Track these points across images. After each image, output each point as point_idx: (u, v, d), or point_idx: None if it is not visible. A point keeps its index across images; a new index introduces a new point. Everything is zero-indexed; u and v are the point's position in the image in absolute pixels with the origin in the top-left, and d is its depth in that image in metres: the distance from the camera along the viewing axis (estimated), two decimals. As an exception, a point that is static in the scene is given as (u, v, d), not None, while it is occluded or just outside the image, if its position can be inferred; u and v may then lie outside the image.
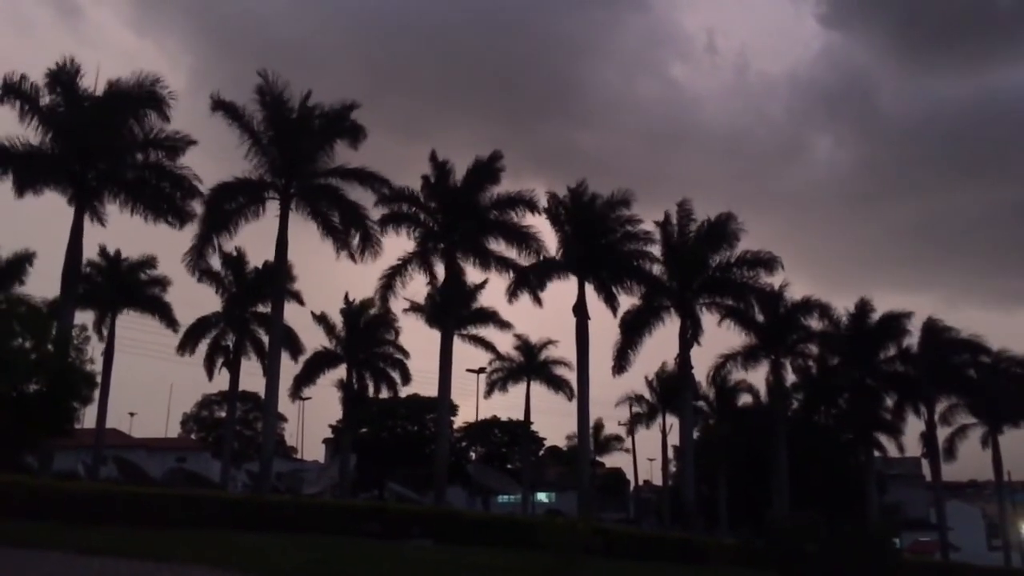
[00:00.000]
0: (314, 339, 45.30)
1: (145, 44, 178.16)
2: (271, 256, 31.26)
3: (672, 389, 46.82)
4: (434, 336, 34.27)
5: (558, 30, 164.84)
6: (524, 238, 33.50)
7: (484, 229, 33.66)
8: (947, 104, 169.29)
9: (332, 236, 30.91)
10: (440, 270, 34.04)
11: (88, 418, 39.96)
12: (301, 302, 41.66)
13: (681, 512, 40.95)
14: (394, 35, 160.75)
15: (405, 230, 33.45)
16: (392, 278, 33.53)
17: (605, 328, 37.42)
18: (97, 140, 28.37)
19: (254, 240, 39.50)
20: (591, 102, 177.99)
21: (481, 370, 52.62)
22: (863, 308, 45.21)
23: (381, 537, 21.46)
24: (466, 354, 54.90)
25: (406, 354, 46.07)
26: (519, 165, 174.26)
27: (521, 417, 53.73)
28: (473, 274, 36.01)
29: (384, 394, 48.33)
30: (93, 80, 29.26)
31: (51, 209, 32.51)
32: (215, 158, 36.45)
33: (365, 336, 45.13)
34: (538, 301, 34.64)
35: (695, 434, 47.86)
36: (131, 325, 44.42)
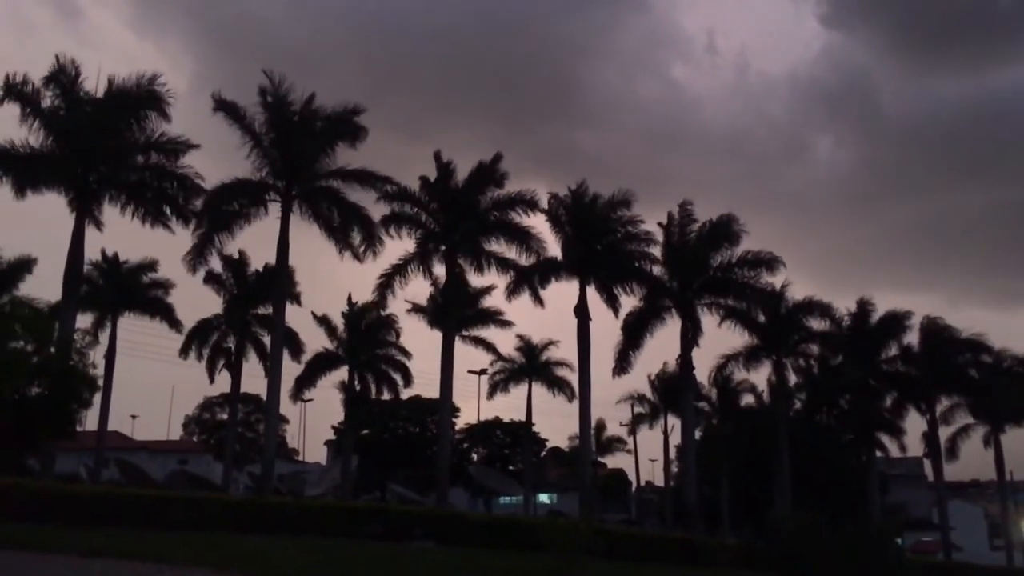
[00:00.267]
0: (316, 340, 45.27)
1: (146, 45, 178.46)
2: (273, 258, 31.27)
3: (674, 389, 46.80)
4: (436, 337, 34.29)
5: (558, 30, 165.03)
6: (525, 238, 33.48)
7: (485, 230, 33.65)
8: (948, 104, 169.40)
9: (334, 238, 30.94)
10: (441, 271, 34.13)
11: (90, 421, 39.88)
12: (299, 302, 41.65)
13: (683, 513, 40.93)
14: (394, 36, 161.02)
15: (406, 231, 33.47)
16: (391, 278, 33.49)
17: (606, 329, 37.41)
18: (98, 142, 28.38)
19: (256, 242, 39.55)
20: (591, 102, 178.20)
21: (483, 371, 52.65)
22: (864, 308, 45.19)
23: (383, 539, 21.47)
24: (468, 356, 55.06)
25: (408, 355, 46.14)
26: (520, 165, 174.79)
27: (523, 418, 53.74)
28: (474, 275, 35.99)
29: (386, 396, 48.40)
30: (94, 82, 29.29)
31: (51, 212, 32.55)
32: (217, 159, 36.47)
33: (366, 337, 45.13)
34: (539, 301, 34.65)
35: (697, 434, 47.90)
36: (133, 328, 44.35)
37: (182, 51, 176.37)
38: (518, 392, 52.17)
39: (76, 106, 28.72)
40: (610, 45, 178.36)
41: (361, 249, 31.13)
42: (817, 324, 43.48)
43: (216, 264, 38.30)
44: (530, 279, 34.33)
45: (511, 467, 67.69)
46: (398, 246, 33.54)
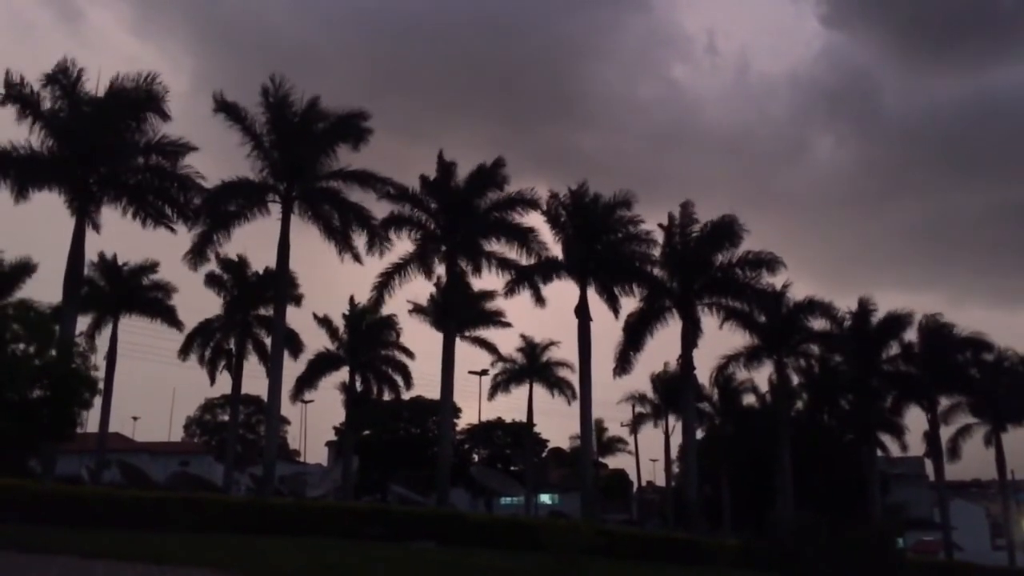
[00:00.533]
0: (317, 341, 45.26)
1: (147, 47, 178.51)
2: (274, 259, 31.29)
3: (675, 390, 46.78)
4: (438, 338, 34.22)
5: (559, 31, 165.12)
6: (525, 238, 33.49)
7: (485, 230, 33.65)
8: (948, 104, 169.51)
9: (334, 239, 30.96)
10: (441, 272, 34.12)
11: (91, 422, 40.02)
12: (298, 303, 41.64)
13: (684, 513, 40.93)
14: (395, 37, 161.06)
15: (406, 232, 33.47)
16: (389, 278, 33.47)
17: (607, 329, 37.42)
18: (98, 143, 28.38)
19: (258, 243, 39.58)
20: (592, 103, 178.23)
21: (484, 372, 52.67)
22: (865, 307, 45.19)
23: (384, 539, 21.46)
24: (469, 356, 55.05)
25: (410, 356, 46.09)
26: (520, 166, 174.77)
27: (524, 419, 53.75)
28: (474, 276, 35.98)
29: (387, 396, 48.39)
30: (95, 84, 29.26)
31: (50, 214, 32.57)
32: (217, 160, 36.58)
33: (367, 338, 45.12)
34: (540, 300, 34.62)
35: (700, 434, 47.91)
36: (134, 329, 44.36)
37: (183, 52, 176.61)
38: (519, 393, 52.26)
39: (76, 107, 28.72)
40: (611, 46, 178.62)
41: (363, 250, 31.24)
42: (818, 324, 43.52)
43: (216, 264, 38.37)
44: (530, 278, 34.33)
45: (512, 468, 67.69)
46: (399, 247, 33.54)
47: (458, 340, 35.87)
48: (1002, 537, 57.21)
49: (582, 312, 34.51)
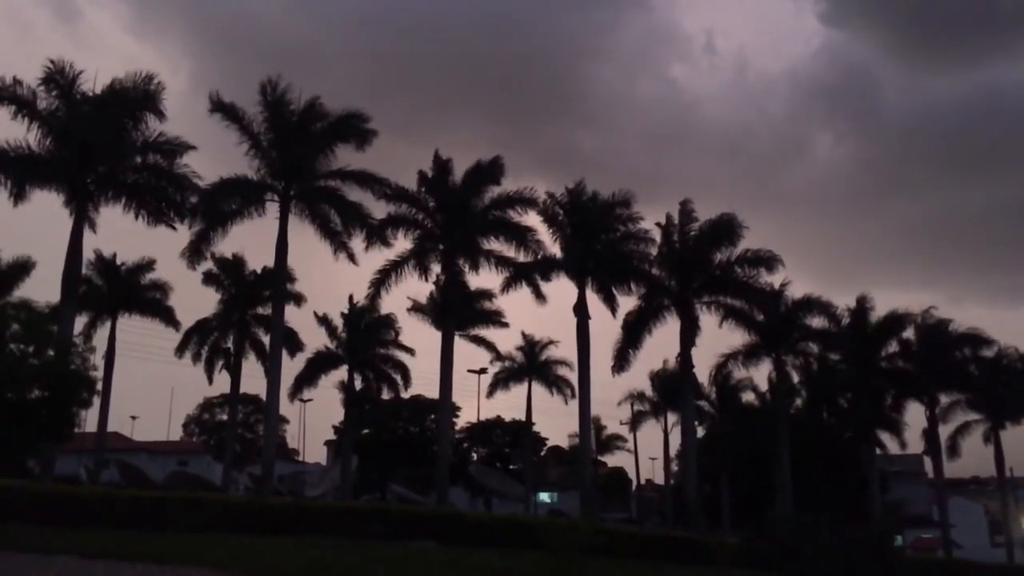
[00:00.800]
0: (316, 340, 45.23)
1: (144, 47, 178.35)
2: (273, 258, 31.26)
3: (674, 388, 46.83)
4: (437, 337, 34.18)
5: (558, 31, 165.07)
6: (523, 237, 33.50)
7: (483, 229, 33.63)
8: (947, 101, 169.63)
9: (330, 238, 30.97)
10: (439, 270, 34.09)
11: (89, 422, 40.07)
12: (298, 303, 41.62)
13: (683, 511, 40.94)
14: (394, 36, 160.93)
15: (404, 231, 33.44)
16: (386, 275, 33.45)
17: (606, 328, 37.41)
18: (95, 143, 28.35)
19: (256, 242, 39.59)
20: (591, 102, 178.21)
21: (482, 371, 52.66)
22: (863, 306, 45.21)
23: (384, 539, 21.44)
24: (469, 355, 55.02)
25: (411, 352, 46.06)
26: (520, 165, 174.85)
27: (522, 417, 53.75)
28: (472, 274, 35.98)
29: (386, 395, 48.36)
30: (92, 84, 29.25)
31: (47, 214, 32.50)
32: (215, 160, 36.54)
33: (366, 337, 45.10)
34: (540, 296, 34.65)
35: (700, 432, 47.91)
36: (132, 329, 44.35)
37: (181, 52, 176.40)
38: (518, 391, 52.28)
39: (73, 107, 28.69)
40: (610, 45, 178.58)
41: (363, 249, 31.28)
42: (817, 322, 43.58)
43: (212, 263, 38.35)
44: (528, 276, 34.34)
45: (511, 466, 67.66)
46: (397, 245, 33.52)
47: (457, 339, 35.86)
48: (1001, 534, 57.31)
49: (581, 310, 34.51)
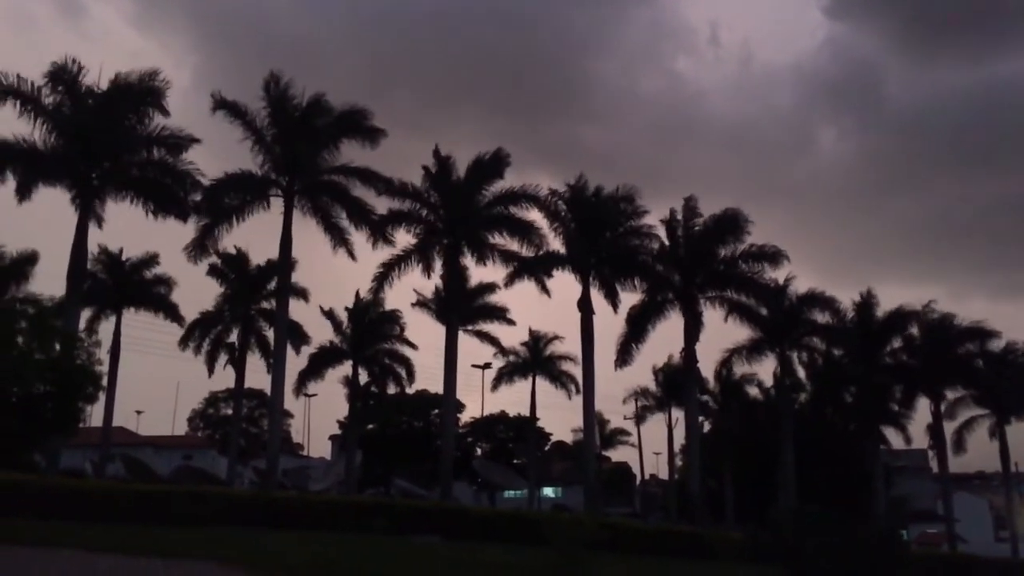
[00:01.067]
0: (320, 336, 45.31)
1: (148, 41, 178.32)
2: (277, 253, 31.31)
3: (678, 383, 46.82)
4: (442, 332, 34.23)
5: (562, 24, 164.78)
6: (527, 233, 33.50)
7: (486, 224, 33.63)
8: (953, 94, 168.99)
9: (331, 233, 31.04)
10: (442, 265, 34.08)
11: (95, 416, 40.09)
12: (306, 298, 41.74)
13: (687, 506, 40.99)
14: (398, 30, 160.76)
15: (408, 227, 33.46)
16: (390, 270, 33.47)
17: (610, 323, 37.45)
18: (101, 138, 28.40)
19: (261, 236, 39.56)
20: (595, 96, 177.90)
21: (487, 366, 52.67)
22: (867, 300, 45.13)
23: (388, 533, 21.48)
24: (474, 350, 55.01)
25: (415, 347, 46.10)
26: (524, 160, 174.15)
27: (526, 412, 53.79)
28: (477, 269, 36.03)
29: (390, 390, 48.41)
30: (96, 78, 29.33)
31: (52, 209, 32.59)
32: (219, 154, 36.59)
33: (370, 332, 45.14)
34: (544, 290, 34.69)
35: (706, 427, 47.87)
36: (137, 323, 44.51)
37: (185, 46, 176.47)
38: (522, 386, 52.31)
39: (78, 103, 28.75)
40: (614, 39, 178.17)
41: (366, 244, 31.34)
42: (821, 317, 43.50)
43: (216, 257, 38.41)
44: (532, 270, 34.34)
45: (515, 461, 67.72)
46: (400, 240, 33.54)
47: (461, 334, 35.90)
48: (1005, 529, 57.20)
49: (585, 305, 34.51)
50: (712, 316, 37.46)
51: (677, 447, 57.59)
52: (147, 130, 29.54)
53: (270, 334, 39.84)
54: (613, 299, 35.28)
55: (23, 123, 28.13)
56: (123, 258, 40.61)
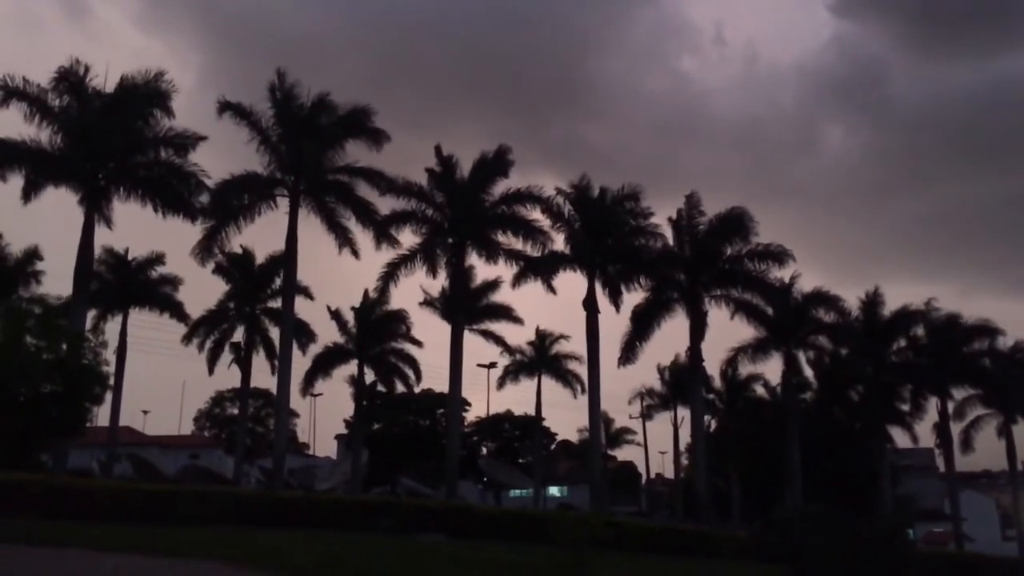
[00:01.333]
0: (327, 335, 45.38)
1: (153, 42, 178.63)
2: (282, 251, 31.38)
3: (683, 382, 46.82)
4: (448, 331, 34.27)
5: (567, 24, 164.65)
6: (532, 232, 33.54)
7: (491, 223, 33.67)
8: (959, 92, 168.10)
9: (336, 233, 31.11)
10: (447, 265, 34.12)
11: (102, 416, 40.20)
12: (311, 297, 41.81)
13: (693, 505, 40.92)
14: (402, 29, 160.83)
15: (414, 227, 33.52)
16: (395, 269, 33.55)
17: (616, 322, 37.42)
18: (107, 139, 28.50)
19: (266, 236, 39.64)
20: (600, 95, 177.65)
21: (492, 365, 52.70)
22: (873, 299, 45.04)
23: (394, 532, 21.51)
24: (479, 350, 55.14)
25: (420, 345, 46.13)
26: (528, 159, 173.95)
27: (532, 411, 53.81)
28: (482, 269, 36.06)
29: (397, 389, 48.49)
30: (103, 79, 29.44)
31: (57, 210, 32.69)
32: (224, 154, 36.58)
33: (377, 332, 45.20)
34: (551, 288, 34.74)
35: (712, 425, 47.78)
36: (143, 323, 44.66)
37: (191, 47, 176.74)
38: (527, 385, 52.31)
39: (84, 104, 28.86)
40: (618, 38, 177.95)
41: (371, 245, 31.39)
42: (827, 316, 43.39)
43: (223, 258, 38.50)
44: (538, 269, 34.37)
45: (520, 460, 67.78)
46: (406, 240, 33.58)
47: (467, 333, 35.94)
48: (1012, 528, 57.02)
49: (590, 305, 34.53)
50: (718, 315, 37.45)
51: (683, 446, 57.69)
52: (153, 131, 29.64)
53: (275, 334, 39.96)
54: (615, 299, 35.33)
55: (30, 125, 28.30)
56: (129, 258, 40.74)
